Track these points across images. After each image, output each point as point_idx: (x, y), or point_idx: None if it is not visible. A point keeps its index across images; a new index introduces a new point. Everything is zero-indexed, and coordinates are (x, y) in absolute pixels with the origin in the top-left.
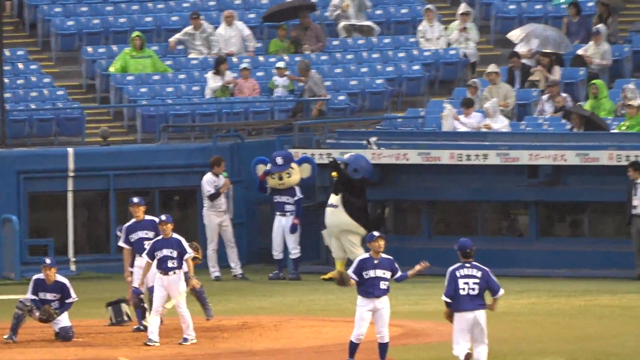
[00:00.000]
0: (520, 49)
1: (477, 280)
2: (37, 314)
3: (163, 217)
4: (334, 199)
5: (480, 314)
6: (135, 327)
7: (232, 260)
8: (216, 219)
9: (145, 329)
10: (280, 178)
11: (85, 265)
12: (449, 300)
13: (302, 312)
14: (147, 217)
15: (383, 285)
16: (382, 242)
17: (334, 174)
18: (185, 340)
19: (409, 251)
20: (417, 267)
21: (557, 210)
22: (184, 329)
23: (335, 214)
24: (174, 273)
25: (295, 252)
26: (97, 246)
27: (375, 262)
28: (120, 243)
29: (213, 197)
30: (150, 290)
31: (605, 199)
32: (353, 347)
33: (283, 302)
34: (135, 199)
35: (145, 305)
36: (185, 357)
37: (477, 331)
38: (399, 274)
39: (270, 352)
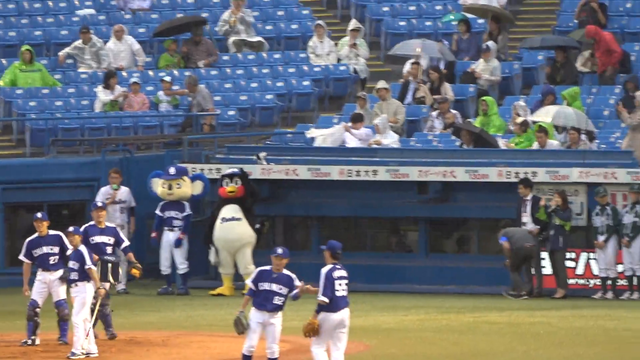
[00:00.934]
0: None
1: (347, 281)
2: None
3: (71, 229)
4: (231, 211)
5: (348, 313)
6: (23, 340)
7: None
8: None
9: (33, 342)
10: (170, 187)
11: None
12: (327, 301)
13: (191, 327)
14: (51, 232)
15: (277, 300)
16: (284, 261)
17: (231, 188)
18: (73, 354)
19: (299, 266)
20: (308, 287)
21: (446, 227)
22: (74, 342)
23: (238, 227)
24: (76, 285)
25: (183, 267)
26: None
27: (274, 275)
28: (21, 257)
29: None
30: (58, 304)
31: (494, 216)
32: (244, 359)
33: (171, 317)
34: (39, 214)
35: (39, 319)
36: None
37: (341, 329)
38: (295, 292)
39: None
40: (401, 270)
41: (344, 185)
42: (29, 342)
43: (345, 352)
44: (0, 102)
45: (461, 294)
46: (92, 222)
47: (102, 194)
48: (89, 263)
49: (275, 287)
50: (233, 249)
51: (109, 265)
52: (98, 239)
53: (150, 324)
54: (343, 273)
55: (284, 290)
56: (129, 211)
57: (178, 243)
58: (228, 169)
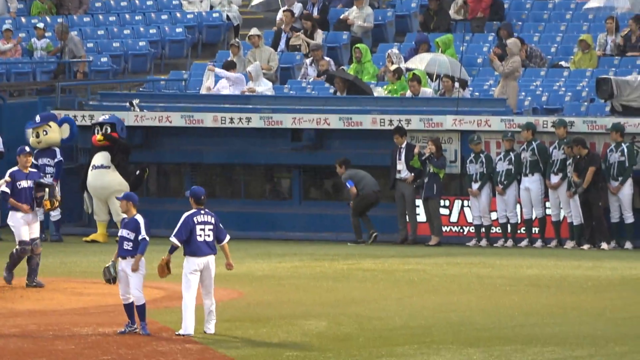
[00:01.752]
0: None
1: (211, 227)
2: None
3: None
4: (101, 159)
5: (212, 259)
6: None
7: None
8: None
9: None
10: (37, 135)
11: None
12: (178, 243)
13: (64, 273)
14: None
15: (126, 245)
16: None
17: (100, 137)
18: None
19: (171, 213)
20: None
21: (320, 174)
22: None
23: (107, 175)
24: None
25: (55, 213)
26: None
27: (125, 220)
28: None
29: None
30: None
31: (368, 163)
32: (124, 308)
33: (45, 264)
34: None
35: None
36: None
37: (206, 275)
38: (141, 237)
39: (32, 313)
40: (275, 218)
41: (218, 132)
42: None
43: (218, 300)
44: None
45: (335, 241)
46: (17, 167)
47: None
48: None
49: (124, 232)
50: (103, 196)
51: (47, 189)
52: (24, 183)
53: (24, 271)
54: (207, 218)
55: (132, 236)
56: None
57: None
58: (101, 117)
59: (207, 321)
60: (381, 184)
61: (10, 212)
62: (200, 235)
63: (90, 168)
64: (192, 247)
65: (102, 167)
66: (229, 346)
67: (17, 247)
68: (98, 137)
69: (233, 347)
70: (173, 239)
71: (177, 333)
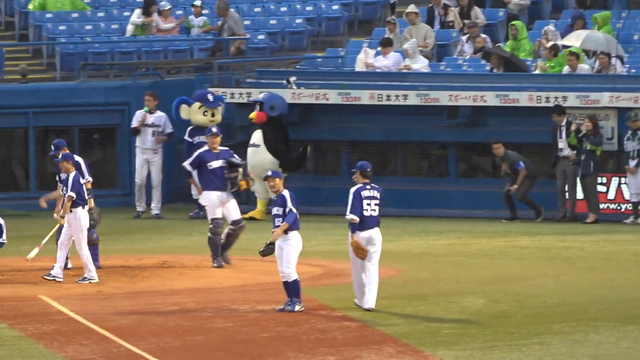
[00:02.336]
0: None
1: (377, 202)
2: None
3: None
4: (255, 137)
5: (377, 233)
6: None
7: (153, 200)
8: (141, 155)
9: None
10: (213, 115)
11: (4, 203)
12: (357, 218)
13: None
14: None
15: (277, 222)
16: (277, 181)
17: (252, 115)
18: (84, 279)
19: (328, 191)
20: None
21: (476, 152)
22: (84, 268)
23: (258, 154)
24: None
25: None
26: (16, 184)
27: (273, 198)
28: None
29: (133, 133)
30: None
31: (524, 140)
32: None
33: (203, 242)
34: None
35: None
36: (105, 296)
37: (371, 249)
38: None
39: (190, 291)
40: (432, 195)
41: (374, 109)
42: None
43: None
44: (31, 26)
45: (492, 218)
46: (206, 148)
47: (136, 117)
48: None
49: (274, 209)
50: (258, 174)
51: (240, 169)
52: (215, 164)
53: (182, 248)
54: (374, 193)
55: (280, 211)
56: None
57: None
58: (259, 95)
59: (368, 294)
60: (536, 161)
61: (204, 192)
62: (367, 210)
63: (249, 146)
64: (360, 221)
65: (254, 145)
66: (387, 323)
67: (210, 225)
68: (250, 115)
69: (391, 325)
70: (351, 216)
71: (366, 307)
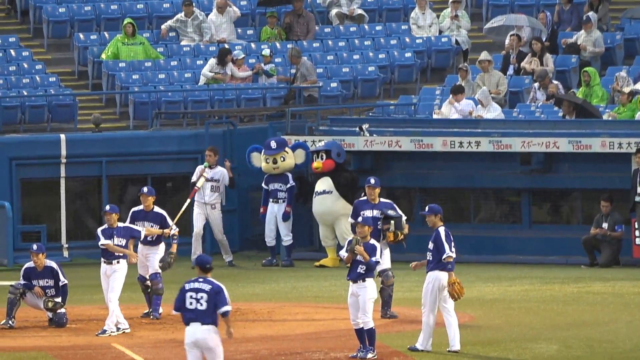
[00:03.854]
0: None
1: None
2: (42, 305)
3: (145, 190)
4: (323, 185)
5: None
6: (145, 312)
7: (223, 251)
8: (197, 209)
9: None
10: (275, 162)
11: (78, 252)
12: (454, 255)
13: (295, 298)
14: (157, 209)
15: (360, 269)
16: (365, 229)
17: (317, 164)
18: (104, 332)
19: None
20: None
21: (549, 198)
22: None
23: (328, 200)
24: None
25: (287, 238)
26: (89, 233)
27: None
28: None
29: (192, 186)
30: (152, 277)
31: (597, 186)
32: (355, 333)
33: (276, 289)
34: (145, 189)
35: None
36: (178, 343)
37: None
38: (374, 259)
39: (263, 338)
40: (505, 241)
41: (447, 156)
42: (152, 313)
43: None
44: (104, 75)
45: (565, 264)
46: (363, 198)
47: (196, 172)
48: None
49: (358, 255)
50: (328, 222)
51: (392, 221)
52: (368, 213)
53: (255, 296)
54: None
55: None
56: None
57: (286, 217)
58: (318, 143)
59: (451, 336)
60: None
61: None
62: (453, 251)
63: (314, 195)
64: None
65: (324, 192)
66: None
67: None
68: (315, 164)
69: None
70: (451, 254)
71: (453, 350)
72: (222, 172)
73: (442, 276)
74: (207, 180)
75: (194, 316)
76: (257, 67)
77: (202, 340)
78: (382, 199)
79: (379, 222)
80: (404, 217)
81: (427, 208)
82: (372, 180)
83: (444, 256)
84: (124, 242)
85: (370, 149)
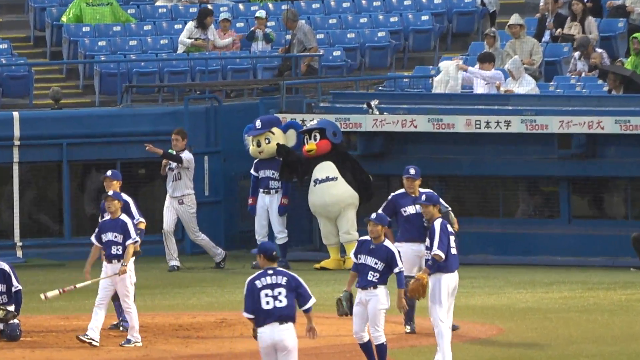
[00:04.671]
0: None
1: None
2: None
3: (108, 173)
4: (327, 171)
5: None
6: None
7: (209, 253)
8: (167, 201)
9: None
10: (258, 144)
11: (34, 251)
12: (443, 256)
13: None
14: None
15: (371, 276)
16: (378, 228)
17: (310, 146)
18: (128, 341)
19: None
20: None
21: (592, 187)
22: (128, 330)
23: (335, 188)
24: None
25: (282, 236)
26: (47, 229)
27: (372, 247)
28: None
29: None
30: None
31: None
32: (361, 348)
33: None
34: (109, 172)
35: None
36: None
37: (454, 294)
38: (397, 269)
39: (253, 354)
40: (540, 240)
41: (471, 138)
42: (121, 323)
43: (475, 337)
44: (65, 41)
45: (611, 267)
46: (402, 190)
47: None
48: (133, 235)
49: (370, 260)
50: (332, 214)
51: None
52: (411, 209)
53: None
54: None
55: (380, 266)
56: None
57: (282, 211)
58: (309, 122)
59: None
60: None
61: (396, 243)
62: (453, 248)
63: (312, 183)
64: (446, 261)
65: (327, 179)
66: None
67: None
68: (308, 146)
69: None
70: (439, 252)
71: None
72: (187, 159)
73: (448, 278)
74: (169, 169)
75: (273, 316)
76: (240, 36)
77: (281, 342)
78: (421, 190)
79: (424, 220)
80: (450, 209)
81: (423, 197)
82: (412, 171)
83: (432, 253)
84: (120, 238)
85: (381, 130)
